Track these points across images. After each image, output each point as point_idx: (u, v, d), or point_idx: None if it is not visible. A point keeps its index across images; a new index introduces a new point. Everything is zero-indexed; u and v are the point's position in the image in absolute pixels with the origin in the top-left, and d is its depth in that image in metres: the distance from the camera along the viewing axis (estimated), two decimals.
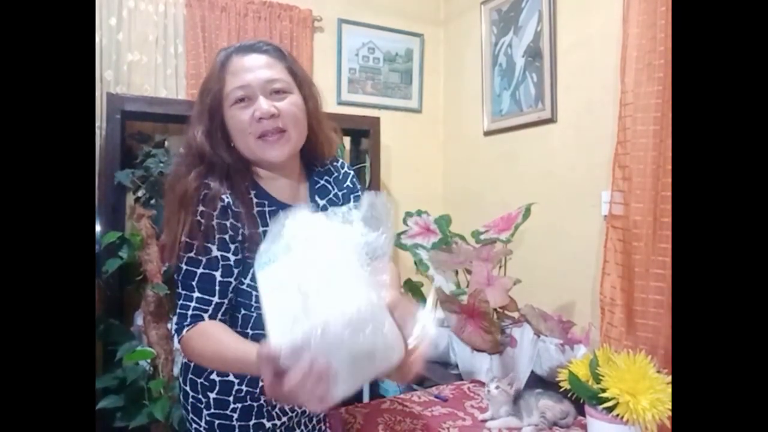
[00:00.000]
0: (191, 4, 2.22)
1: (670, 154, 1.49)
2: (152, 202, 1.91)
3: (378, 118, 2.43)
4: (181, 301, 0.92)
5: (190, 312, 0.90)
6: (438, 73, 2.85)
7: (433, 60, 2.83)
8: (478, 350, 1.68)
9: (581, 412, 1.20)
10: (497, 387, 1.26)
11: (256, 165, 0.98)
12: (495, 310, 1.64)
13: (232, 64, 0.94)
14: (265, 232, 0.88)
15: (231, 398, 0.97)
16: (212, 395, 0.98)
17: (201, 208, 0.90)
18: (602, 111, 1.83)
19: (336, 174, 1.11)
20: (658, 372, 1.09)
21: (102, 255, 1.77)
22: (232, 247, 0.92)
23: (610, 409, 1.05)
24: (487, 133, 2.48)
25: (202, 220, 0.90)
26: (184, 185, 0.91)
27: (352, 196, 1.10)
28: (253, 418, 0.98)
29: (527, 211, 1.79)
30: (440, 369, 1.90)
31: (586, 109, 1.93)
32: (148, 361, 1.68)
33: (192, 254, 0.90)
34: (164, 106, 2.08)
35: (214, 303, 0.91)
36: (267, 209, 0.97)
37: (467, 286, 1.73)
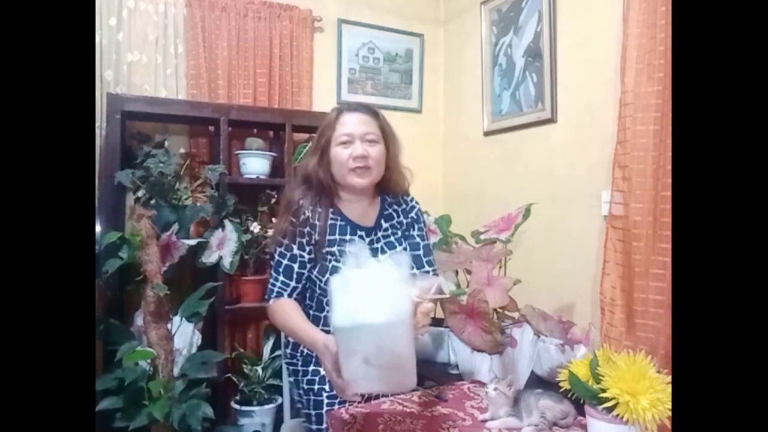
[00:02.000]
0: (191, 4, 2.22)
1: (670, 154, 1.49)
2: (152, 202, 1.91)
3: None
4: (270, 279, 1.33)
5: (275, 289, 1.31)
6: (438, 73, 2.85)
7: (433, 60, 2.83)
8: (478, 350, 1.68)
9: (581, 412, 1.20)
10: (495, 389, 1.26)
11: (342, 189, 1.35)
12: (495, 310, 1.64)
13: (342, 118, 1.33)
14: (332, 240, 1.32)
15: (298, 353, 1.41)
16: (288, 350, 1.44)
17: (292, 218, 1.31)
18: (602, 111, 1.83)
19: (404, 206, 1.47)
20: (658, 372, 1.08)
21: (102, 255, 1.77)
22: (308, 248, 1.32)
23: (610, 409, 1.05)
24: (487, 133, 2.48)
25: (290, 227, 1.30)
26: (289, 198, 1.35)
27: (415, 225, 1.46)
28: (312, 365, 1.38)
29: (527, 211, 1.79)
30: (440, 369, 1.90)
31: (586, 109, 1.93)
32: (148, 361, 1.68)
33: (282, 249, 1.31)
34: (164, 106, 2.08)
35: (291, 286, 1.32)
36: (338, 223, 1.35)
37: (467, 286, 1.73)
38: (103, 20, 2.09)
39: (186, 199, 2.02)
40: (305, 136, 2.31)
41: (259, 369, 2.07)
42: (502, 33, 2.37)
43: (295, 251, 1.31)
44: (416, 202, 1.49)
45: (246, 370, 2.08)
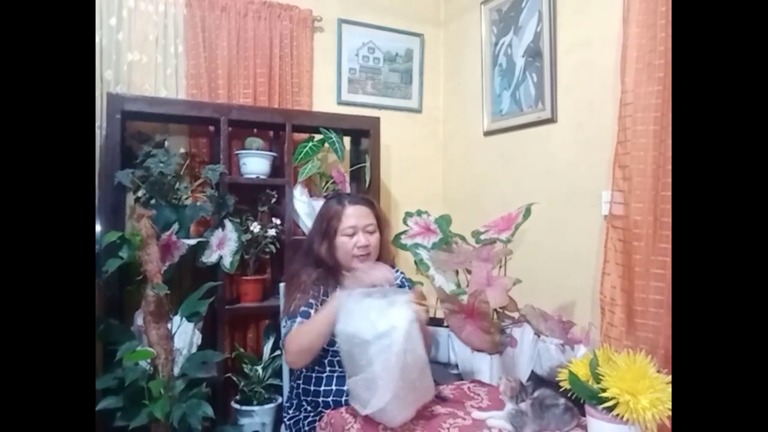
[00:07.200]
0: (191, 4, 2.22)
1: (670, 154, 1.49)
2: (152, 201, 1.91)
3: (378, 118, 2.42)
4: (288, 323, 1.47)
5: (294, 325, 1.44)
6: (438, 73, 2.85)
7: (433, 60, 2.83)
8: (478, 350, 1.68)
9: (581, 411, 1.20)
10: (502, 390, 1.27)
11: (344, 267, 1.57)
12: (495, 310, 1.64)
13: (347, 210, 1.56)
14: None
15: (300, 413, 1.55)
16: (291, 411, 1.61)
17: (308, 297, 1.50)
18: (602, 111, 1.83)
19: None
20: (658, 372, 1.09)
21: (102, 255, 1.77)
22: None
23: (610, 409, 1.05)
24: (487, 133, 2.48)
25: (309, 299, 1.50)
26: (304, 276, 1.55)
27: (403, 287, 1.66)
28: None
29: (527, 211, 1.79)
30: (440, 369, 1.90)
31: (586, 109, 1.93)
32: (148, 361, 1.68)
33: (300, 309, 1.48)
34: (164, 106, 2.08)
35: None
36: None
37: (467, 286, 1.73)
38: (103, 20, 2.08)
39: (186, 198, 2.02)
40: (305, 135, 2.31)
41: (259, 369, 2.07)
42: (502, 33, 2.37)
43: (311, 311, 1.49)
44: (402, 272, 1.73)
45: (246, 370, 2.08)
